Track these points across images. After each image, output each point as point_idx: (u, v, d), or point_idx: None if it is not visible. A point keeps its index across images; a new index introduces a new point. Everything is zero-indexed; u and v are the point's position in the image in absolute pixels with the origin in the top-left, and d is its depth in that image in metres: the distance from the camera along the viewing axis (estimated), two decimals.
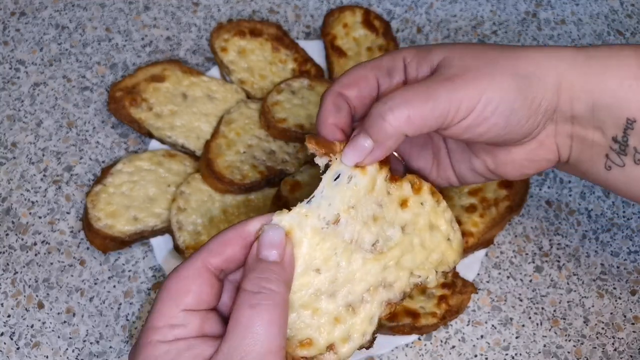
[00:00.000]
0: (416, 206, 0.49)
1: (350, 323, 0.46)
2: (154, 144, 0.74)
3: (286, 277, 0.44)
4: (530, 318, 0.66)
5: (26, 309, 0.66)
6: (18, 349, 0.64)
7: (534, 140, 0.49)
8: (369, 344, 0.48)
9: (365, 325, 0.46)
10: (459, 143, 0.52)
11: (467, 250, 0.67)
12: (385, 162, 0.48)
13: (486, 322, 0.66)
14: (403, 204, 0.48)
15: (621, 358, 0.64)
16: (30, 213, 0.71)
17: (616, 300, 0.67)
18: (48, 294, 0.67)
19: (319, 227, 0.45)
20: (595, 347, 0.65)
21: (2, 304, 0.66)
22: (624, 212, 0.72)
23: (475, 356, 0.64)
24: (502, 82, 0.45)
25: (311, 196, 0.45)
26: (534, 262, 0.69)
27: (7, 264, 0.68)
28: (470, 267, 0.67)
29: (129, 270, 0.68)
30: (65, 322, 0.66)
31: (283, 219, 0.44)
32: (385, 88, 0.49)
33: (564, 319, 0.66)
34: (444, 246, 0.50)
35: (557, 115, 0.47)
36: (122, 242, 0.67)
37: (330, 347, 0.45)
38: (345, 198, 0.45)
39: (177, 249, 0.66)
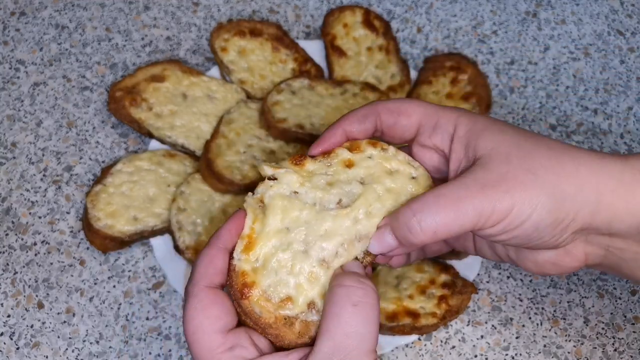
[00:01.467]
0: (364, 162, 0.49)
1: (325, 278, 0.46)
2: (154, 144, 0.74)
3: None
4: (530, 318, 0.66)
5: (26, 309, 0.66)
6: (18, 349, 0.64)
7: (562, 250, 0.48)
8: None
9: None
10: None
11: None
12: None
13: (486, 322, 0.66)
14: (348, 165, 0.49)
15: (621, 358, 0.64)
16: (30, 213, 0.71)
17: (616, 301, 0.67)
18: (48, 294, 0.67)
19: (284, 193, 0.48)
20: (595, 347, 0.65)
21: (2, 304, 0.66)
22: None
23: (475, 356, 0.64)
24: (537, 198, 0.44)
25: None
26: None
27: (7, 264, 0.68)
28: (470, 267, 0.67)
29: (129, 270, 0.68)
30: (65, 322, 0.66)
31: (258, 188, 0.49)
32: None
33: (564, 319, 0.66)
34: (410, 186, 0.49)
35: (590, 232, 0.46)
36: (122, 242, 0.67)
37: (311, 305, 0.46)
38: (291, 182, 0.48)
39: (177, 249, 0.66)
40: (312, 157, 0.50)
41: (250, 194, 0.49)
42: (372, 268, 0.65)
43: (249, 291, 0.46)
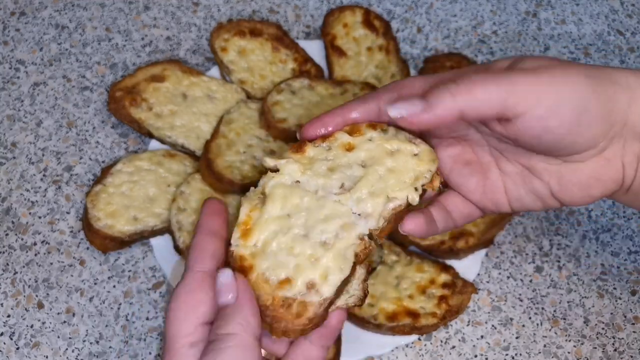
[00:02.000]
0: (364, 144, 0.49)
1: (325, 259, 0.46)
2: (154, 144, 0.74)
3: (246, 315, 0.44)
4: (530, 318, 0.66)
5: (26, 309, 0.66)
6: (18, 349, 0.64)
7: (600, 157, 0.46)
8: (361, 302, 0.48)
9: (339, 260, 0.46)
10: (517, 166, 0.50)
11: (467, 250, 0.67)
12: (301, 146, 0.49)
13: (486, 322, 0.66)
14: (349, 148, 0.49)
15: (621, 358, 0.64)
16: (30, 213, 0.71)
17: (616, 301, 0.67)
18: (48, 294, 0.67)
19: (285, 183, 0.48)
20: (595, 348, 0.65)
21: (2, 304, 0.66)
22: (624, 212, 0.72)
23: (475, 356, 0.64)
24: (577, 79, 0.43)
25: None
26: (534, 262, 0.69)
27: (7, 264, 0.68)
28: (470, 267, 0.67)
29: (129, 270, 0.68)
30: (65, 322, 0.66)
31: (259, 183, 0.49)
32: None
33: (564, 319, 0.66)
34: (412, 163, 0.49)
35: (627, 131, 0.45)
36: (122, 242, 0.67)
37: (310, 286, 0.45)
38: (292, 172, 0.49)
39: (177, 249, 0.66)
40: (311, 141, 0.50)
41: (252, 188, 0.49)
42: (372, 268, 0.65)
43: (246, 275, 0.46)
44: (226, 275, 0.45)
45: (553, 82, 0.43)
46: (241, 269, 0.46)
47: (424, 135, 0.51)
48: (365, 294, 0.48)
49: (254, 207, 0.48)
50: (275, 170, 0.49)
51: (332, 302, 0.46)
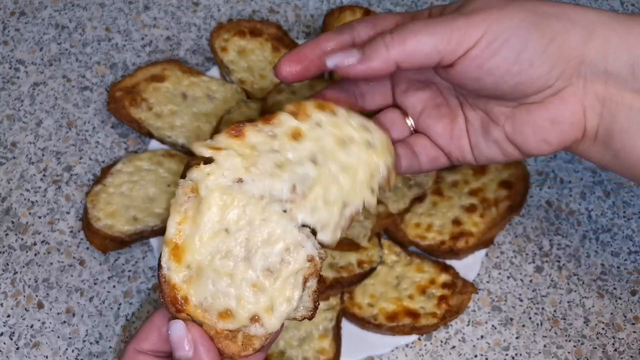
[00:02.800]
0: (312, 131, 0.44)
1: (271, 289, 0.41)
2: (153, 144, 0.73)
3: None
4: (530, 318, 0.66)
5: (26, 309, 0.66)
6: (18, 349, 0.64)
7: (557, 97, 0.44)
8: (310, 314, 0.43)
9: (287, 290, 0.41)
10: (478, 112, 0.48)
11: (467, 251, 0.67)
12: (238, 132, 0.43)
13: (486, 323, 0.66)
14: (296, 135, 0.43)
15: (621, 358, 0.64)
16: (30, 213, 0.71)
17: (616, 301, 0.67)
18: (48, 294, 0.67)
19: (225, 184, 0.41)
20: (595, 348, 0.65)
21: (1, 304, 0.66)
22: (624, 212, 0.72)
23: (476, 356, 0.64)
24: (516, 14, 0.41)
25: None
26: (534, 262, 0.69)
27: (7, 264, 0.68)
28: (470, 267, 0.67)
29: (129, 270, 0.68)
30: (65, 322, 0.66)
31: (191, 174, 0.42)
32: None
33: (564, 319, 0.66)
34: (366, 156, 0.44)
35: (586, 70, 0.42)
36: (121, 242, 0.67)
37: (255, 320, 0.41)
38: (234, 168, 0.42)
39: None
40: (250, 122, 0.44)
41: (181, 181, 0.42)
42: (372, 268, 0.64)
43: (182, 305, 0.41)
44: (178, 328, 0.41)
45: (488, 20, 0.41)
46: (174, 301, 0.41)
47: (379, 122, 0.49)
48: (315, 305, 0.43)
49: (184, 216, 0.41)
50: (210, 161, 0.42)
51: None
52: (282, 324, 0.42)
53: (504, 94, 0.44)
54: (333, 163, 0.43)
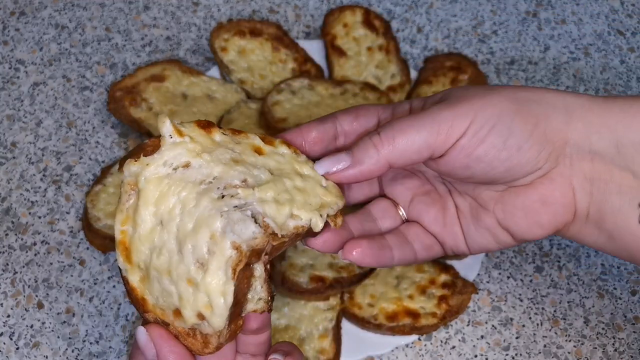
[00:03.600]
0: (275, 155, 0.44)
1: (204, 283, 0.38)
2: None
3: None
4: (530, 318, 0.66)
5: (26, 309, 0.66)
6: (17, 349, 0.64)
7: (545, 178, 0.44)
8: (266, 306, 0.40)
9: (219, 284, 0.38)
10: (467, 198, 0.48)
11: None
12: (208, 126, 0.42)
13: (486, 322, 0.66)
14: (258, 151, 0.43)
15: (622, 358, 0.64)
16: (30, 213, 0.71)
17: (616, 301, 0.67)
18: (48, 294, 0.67)
19: (163, 174, 0.39)
20: (595, 348, 0.65)
21: (1, 304, 0.66)
22: None
23: (476, 356, 0.64)
24: (498, 102, 0.42)
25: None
26: (534, 262, 0.69)
27: (7, 264, 0.68)
28: (470, 267, 0.67)
29: None
30: (64, 322, 0.66)
31: (130, 169, 0.40)
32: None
33: (565, 319, 0.66)
34: (320, 191, 0.44)
35: (571, 150, 0.43)
36: None
37: (201, 317, 0.39)
38: (189, 149, 0.40)
39: None
40: (220, 127, 0.43)
41: (125, 173, 0.40)
42: (370, 269, 0.64)
43: (143, 306, 0.40)
44: (140, 333, 0.41)
45: (473, 110, 0.42)
46: (137, 303, 0.40)
47: (369, 212, 0.50)
48: (271, 295, 0.41)
49: (126, 216, 0.40)
50: (154, 151, 0.40)
51: (235, 316, 0.40)
52: (269, 319, 0.41)
53: (494, 179, 0.45)
54: (289, 180, 0.43)
